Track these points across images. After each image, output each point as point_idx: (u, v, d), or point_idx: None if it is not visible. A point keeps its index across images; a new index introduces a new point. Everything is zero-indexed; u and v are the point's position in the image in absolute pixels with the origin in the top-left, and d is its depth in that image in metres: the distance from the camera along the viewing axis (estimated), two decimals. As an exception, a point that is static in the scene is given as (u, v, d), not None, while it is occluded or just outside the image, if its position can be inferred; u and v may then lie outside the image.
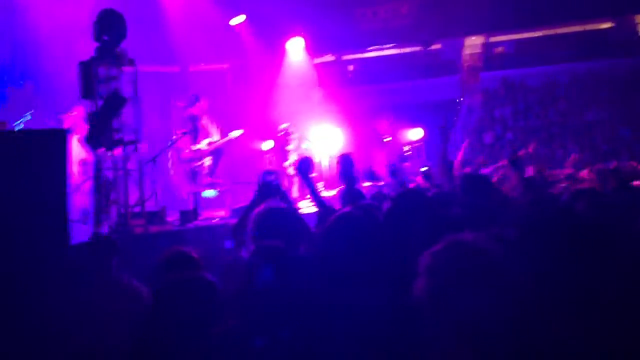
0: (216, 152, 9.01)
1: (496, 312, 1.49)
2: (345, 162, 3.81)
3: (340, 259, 2.51)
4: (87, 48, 5.83)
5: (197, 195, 8.12)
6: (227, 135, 9.17)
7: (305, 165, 3.68)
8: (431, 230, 2.46)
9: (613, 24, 19.29)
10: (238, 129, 9.31)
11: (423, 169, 7.40)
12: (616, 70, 17.69)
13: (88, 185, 5.41)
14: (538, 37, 20.54)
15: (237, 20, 14.14)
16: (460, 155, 6.21)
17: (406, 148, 14.12)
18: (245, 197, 8.55)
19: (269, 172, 3.75)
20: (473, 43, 21.15)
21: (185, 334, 1.98)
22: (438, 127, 5.12)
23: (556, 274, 1.70)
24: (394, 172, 4.27)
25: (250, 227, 2.97)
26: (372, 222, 2.79)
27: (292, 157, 10.01)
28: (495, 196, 3.49)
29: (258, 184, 3.76)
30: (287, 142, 10.19)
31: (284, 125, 10.35)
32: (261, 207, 3.09)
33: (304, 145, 10.46)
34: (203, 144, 8.83)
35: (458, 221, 2.53)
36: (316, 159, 12.45)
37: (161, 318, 2.00)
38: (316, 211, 3.81)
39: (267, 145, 13.88)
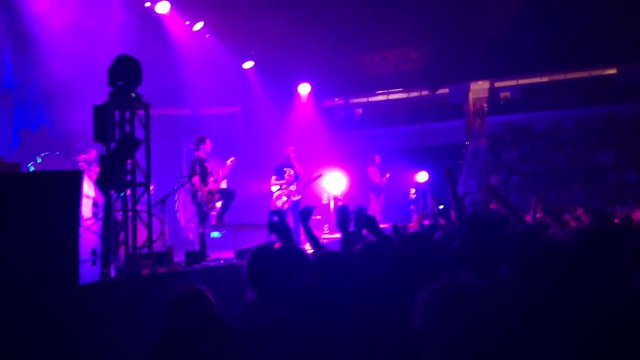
0: (228, 195, 9.10)
1: (489, 351, 1.56)
2: (341, 213, 3.93)
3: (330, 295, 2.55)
4: (102, 91, 6.02)
5: (204, 236, 8.18)
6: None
7: (306, 213, 3.87)
8: (431, 271, 2.53)
9: (617, 70, 19.59)
10: (249, 170, 9.42)
11: (440, 207, 7.45)
12: (621, 115, 17.85)
13: (98, 226, 5.50)
14: (543, 83, 20.85)
15: (249, 64, 14.49)
16: None
17: (412, 191, 14.18)
18: (252, 238, 8.61)
19: (274, 212, 3.92)
20: (479, 88, 21.48)
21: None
22: (445, 170, 5.22)
23: (547, 312, 1.76)
24: (356, 219, 4.08)
25: (245, 269, 3.01)
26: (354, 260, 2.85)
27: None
28: (498, 241, 3.54)
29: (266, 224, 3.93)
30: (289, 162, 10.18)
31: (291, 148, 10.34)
32: (253, 248, 3.14)
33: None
34: (213, 185, 8.94)
35: (456, 261, 2.61)
36: (323, 201, 12.53)
37: (171, 357, 2.06)
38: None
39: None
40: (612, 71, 19.86)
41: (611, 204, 13.74)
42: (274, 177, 10.20)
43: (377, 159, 12.68)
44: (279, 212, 3.98)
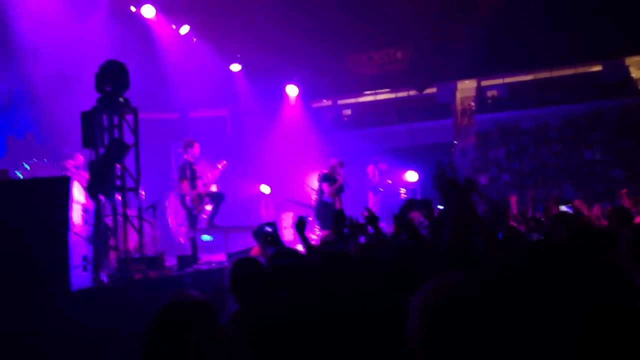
0: (217, 198, 9.06)
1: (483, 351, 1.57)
2: (337, 216, 4.13)
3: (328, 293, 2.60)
4: (90, 96, 5.99)
5: (195, 240, 8.17)
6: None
7: (301, 223, 4.17)
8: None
9: (602, 67, 19.77)
10: (240, 174, 9.39)
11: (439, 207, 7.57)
12: (607, 112, 18.01)
13: (88, 231, 5.49)
14: (529, 81, 21.01)
15: (236, 67, 14.50)
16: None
17: (402, 191, 14.25)
18: (243, 241, 8.61)
19: (268, 224, 4.05)
20: (466, 87, 21.59)
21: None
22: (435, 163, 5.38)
23: (543, 309, 1.79)
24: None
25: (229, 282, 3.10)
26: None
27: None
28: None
29: (256, 234, 4.06)
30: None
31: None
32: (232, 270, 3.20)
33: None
34: (202, 189, 8.90)
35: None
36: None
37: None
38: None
39: (265, 189, 14.02)
40: (597, 68, 20.04)
41: (599, 200, 13.86)
42: (326, 184, 10.11)
43: (385, 166, 12.87)
44: (273, 224, 4.13)
